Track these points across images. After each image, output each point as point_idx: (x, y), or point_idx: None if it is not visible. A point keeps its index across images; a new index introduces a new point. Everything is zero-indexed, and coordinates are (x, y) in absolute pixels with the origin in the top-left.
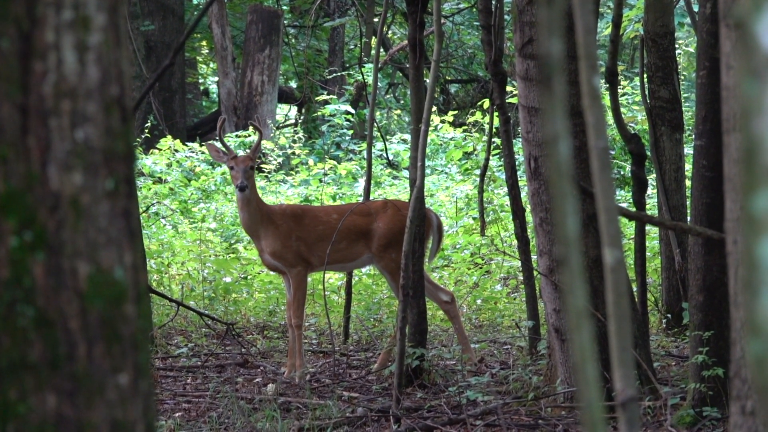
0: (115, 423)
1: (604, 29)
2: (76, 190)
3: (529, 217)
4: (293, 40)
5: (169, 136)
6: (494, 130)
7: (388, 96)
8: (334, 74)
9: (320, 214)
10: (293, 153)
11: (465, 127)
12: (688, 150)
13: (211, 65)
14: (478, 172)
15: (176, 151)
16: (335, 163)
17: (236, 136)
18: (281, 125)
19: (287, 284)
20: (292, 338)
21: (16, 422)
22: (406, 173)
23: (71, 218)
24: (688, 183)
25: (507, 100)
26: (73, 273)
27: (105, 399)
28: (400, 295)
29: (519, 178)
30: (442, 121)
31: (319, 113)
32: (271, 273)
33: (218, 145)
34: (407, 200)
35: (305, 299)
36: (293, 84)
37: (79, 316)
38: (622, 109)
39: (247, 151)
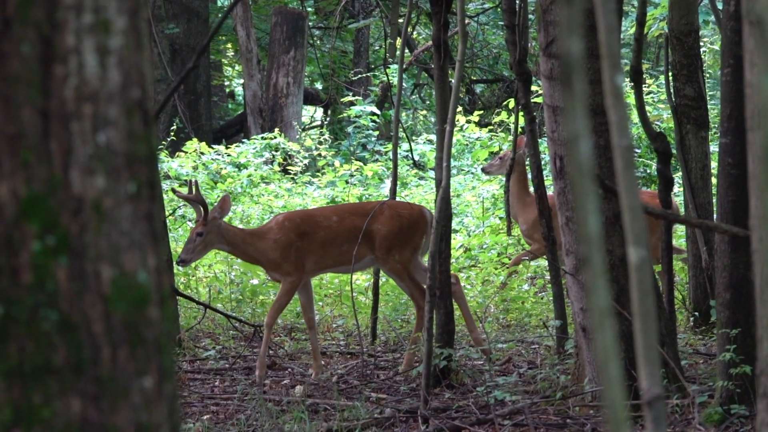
0: (140, 426)
1: (629, 28)
2: (99, 193)
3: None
4: (318, 42)
5: (194, 139)
6: (520, 129)
7: (413, 97)
8: (360, 75)
9: (320, 219)
10: (319, 155)
11: (491, 127)
12: (714, 148)
13: (237, 67)
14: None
15: (202, 153)
16: (361, 164)
17: (261, 138)
18: (307, 127)
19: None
20: (312, 339)
21: (41, 427)
22: (432, 174)
23: (94, 222)
24: (714, 181)
25: (532, 100)
26: (97, 277)
27: (130, 402)
28: (427, 295)
29: (545, 178)
30: (468, 121)
31: (344, 114)
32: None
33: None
34: (433, 200)
35: (286, 305)
36: (318, 85)
37: (102, 319)
38: (648, 108)
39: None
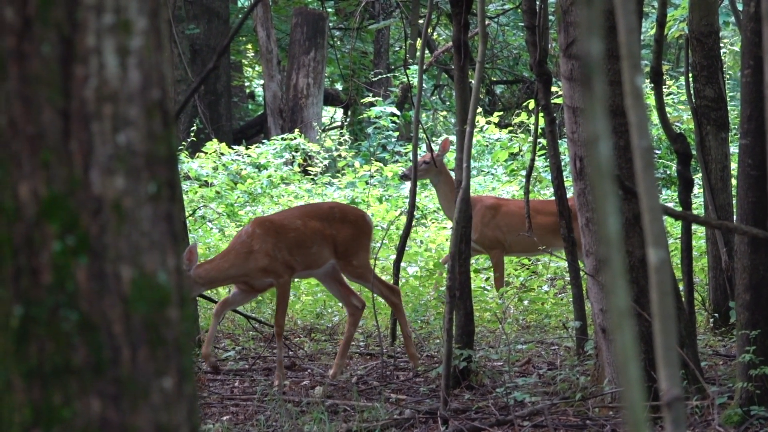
0: (160, 427)
1: (649, 29)
2: (119, 194)
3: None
4: (338, 43)
5: (215, 140)
6: (540, 130)
7: (433, 97)
8: (380, 76)
9: (286, 222)
10: (339, 155)
11: (511, 128)
12: (734, 149)
13: (257, 68)
14: (524, 172)
15: (222, 154)
16: (381, 165)
17: (282, 138)
18: (327, 128)
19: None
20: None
21: (61, 427)
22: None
23: (114, 222)
24: (734, 182)
25: (552, 101)
26: (117, 277)
27: (149, 403)
28: (447, 296)
29: (565, 179)
30: (488, 122)
31: (364, 115)
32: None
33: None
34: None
35: (287, 307)
36: (339, 86)
37: (122, 320)
38: (668, 109)
39: None
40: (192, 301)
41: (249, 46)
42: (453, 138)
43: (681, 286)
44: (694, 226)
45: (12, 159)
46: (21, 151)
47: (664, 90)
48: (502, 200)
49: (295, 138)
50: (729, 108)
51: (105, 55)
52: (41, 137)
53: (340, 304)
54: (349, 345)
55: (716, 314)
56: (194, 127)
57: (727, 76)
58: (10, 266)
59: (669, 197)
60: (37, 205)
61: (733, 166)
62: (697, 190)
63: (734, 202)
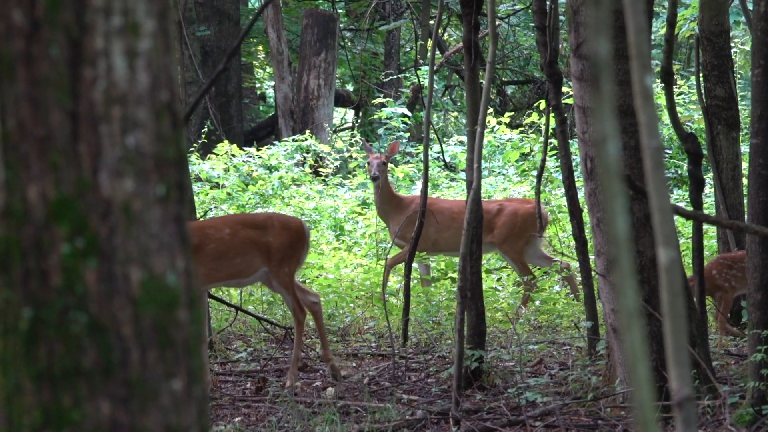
0: (169, 428)
1: (660, 29)
2: (128, 196)
3: (586, 218)
4: (349, 44)
5: (226, 141)
6: (551, 131)
7: (444, 98)
8: (390, 77)
9: (211, 231)
10: (350, 156)
11: (522, 129)
12: (745, 148)
13: (268, 69)
14: (535, 173)
15: (233, 155)
16: (392, 165)
17: (293, 140)
18: (338, 129)
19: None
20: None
21: (70, 429)
22: (463, 175)
23: (123, 224)
24: (745, 181)
25: (563, 101)
26: (126, 279)
27: (159, 405)
28: (458, 296)
29: (576, 179)
30: (499, 123)
31: (375, 116)
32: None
33: None
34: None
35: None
36: (349, 87)
37: (132, 322)
38: (679, 109)
39: None
40: (202, 303)
41: (260, 47)
42: (396, 143)
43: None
44: (705, 226)
45: (21, 161)
46: (30, 153)
47: (675, 90)
48: (434, 199)
49: (306, 139)
50: (740, 107)
51: (113, 57)
52: (50, 139)
53: (352, 305)
54: (327, 338)
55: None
56: (205, 129)
57: (738, 76)
58: (19, 268)
59: (680, 197)
60: (45, 208)
61: (744, 165)
62: (708, 189)
63: (745, 201)
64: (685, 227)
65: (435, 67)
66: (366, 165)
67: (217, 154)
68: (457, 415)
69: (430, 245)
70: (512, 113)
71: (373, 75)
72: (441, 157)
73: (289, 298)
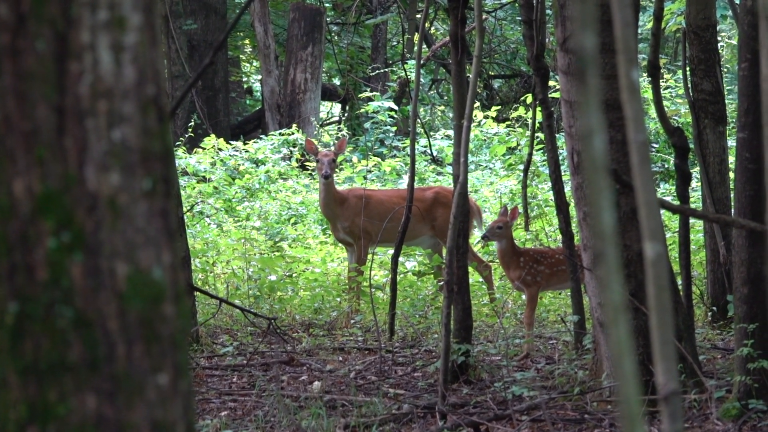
0: (156, 423)
1: (647, 23)
2: (114, 190)
3: (573, 212)
4: (336, 38)
5: (212, 135)
6: (537, 125)
7: (431, 92)
8: (377, 71)
9: None
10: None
11: (508, 123)
12: (732, 142)
13: (254, 63)
14: (521, 167)
15: (220, 149)
16: (379, 159)
17: (279, 134)
18: (325, 123)
19: None
20: None
21: (56, 424)
22: (450, 169)
23: (109, 218)
24: (731, 175)
25: (550, 95)
26: (112, 273)
27: (145, 399)
28: (445, 290)
29: (562, 173)
30: (486, 117)
31: (362, 110)
32: None
33: None
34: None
35: None
36: (336, 81)
37: (117, 316)
38: (665, 103)
39: None
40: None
41: (246, 41)
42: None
43: (679, 280)
44: (692, 220)
45: (6, 155)
46: (15, 147)
47: (662, 84)
48: (370, 191)
49: (292, 133)
50: (727, 101)
51: (99, 52)
52: (36, 133)
53: (338, 299)
54: None
55: (714, 308)
56: (192, 123)
57: (725, 70)
58: (5, 263)
59: (667, 191)
60: (31, 202)
61: (731, 159)
62: (695, 183)
63: (732, 195)
64: (671, 221)
65: (422, 61)
66: (316, 163)
67: (203, 148)
68: (443, 409)
69: (369, 236)
70: (499, 107)
71: (359, 69)
72: (428, 151)
73: None
